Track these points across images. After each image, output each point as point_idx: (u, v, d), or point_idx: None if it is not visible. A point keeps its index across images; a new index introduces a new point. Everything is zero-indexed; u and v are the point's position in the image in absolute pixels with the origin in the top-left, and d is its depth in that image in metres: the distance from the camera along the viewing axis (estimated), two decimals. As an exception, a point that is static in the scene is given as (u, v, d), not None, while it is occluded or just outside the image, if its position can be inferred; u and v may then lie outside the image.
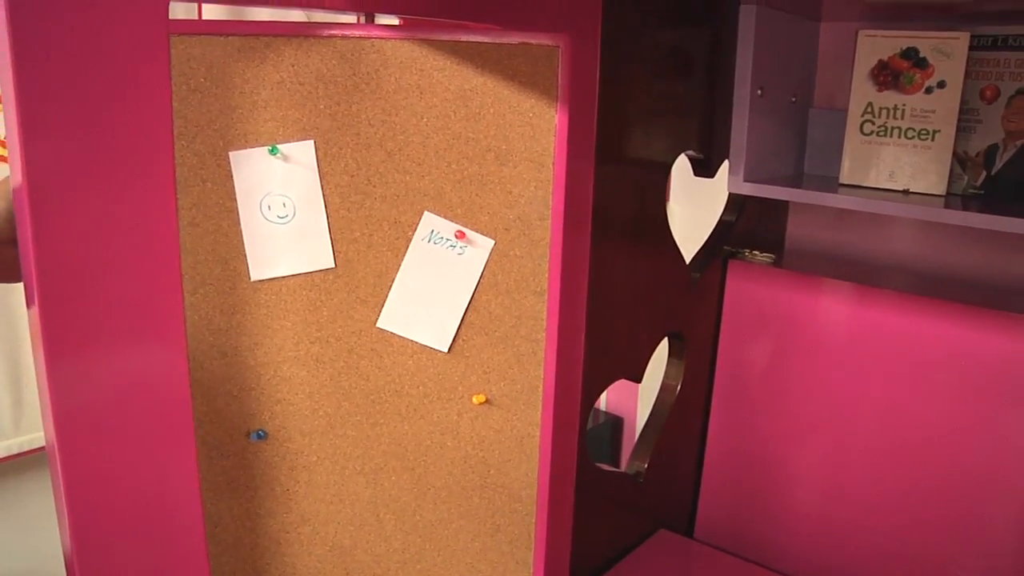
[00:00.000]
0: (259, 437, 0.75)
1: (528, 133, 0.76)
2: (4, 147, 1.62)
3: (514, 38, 0.74)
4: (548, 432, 0.84)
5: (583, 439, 1.07)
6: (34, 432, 1.84)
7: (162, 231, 0.55)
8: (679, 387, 1.28)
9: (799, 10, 1.28)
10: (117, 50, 0.50)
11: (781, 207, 1.43)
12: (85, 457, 0.55)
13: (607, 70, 0.89)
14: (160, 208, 0.54)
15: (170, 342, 0.56)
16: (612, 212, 1.05)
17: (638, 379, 1.19)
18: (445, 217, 0.76)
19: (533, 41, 0.74)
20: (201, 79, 0.65)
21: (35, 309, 0.52)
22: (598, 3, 0.87)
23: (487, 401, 0.82)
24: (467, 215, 0.76)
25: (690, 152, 1.23)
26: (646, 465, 1.26)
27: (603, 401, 1.90)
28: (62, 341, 0.52)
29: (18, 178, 0.49)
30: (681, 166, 1.26)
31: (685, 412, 1.33)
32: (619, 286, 1.10)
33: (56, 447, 0.54)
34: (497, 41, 0.74)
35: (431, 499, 0.83)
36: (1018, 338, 1.13)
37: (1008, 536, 1.15)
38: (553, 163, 0.76)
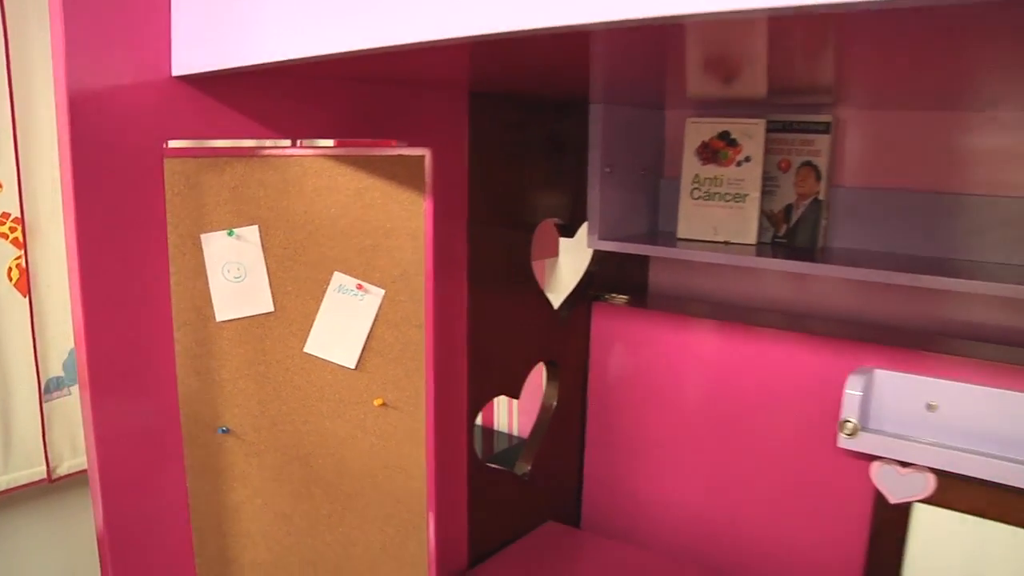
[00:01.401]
0: (224, 432, 1.09)
1: (406, 215, 1.13)
2: (6, 223, 1.93)
3: (393, 151, 1.11)
4: (431, 427, 1.20)
5: (471, 440, 1.42)
6: (21, 470, 2.09)
7: (159, 288, 0.91)
8: (555, 404, 1.65)
9: (641, 104, 1.66)
10: (133, 171, 0.87)
11: (640, 258, 1.81)
12: (119, 453, 0.90)
13: (476, 161, 1.28)
14: (157, 273, 0.91)
15: (164, 367, 0.92)
16: (485, 265, 1.42)
17: (516, 396, 1.55)
18: (350, 275, 1.12)
19: (406, 153, 1.11)
20: (182, 186, 1.01)
21: (83, 355, 0.88)
22: (464, 120, 1.25)
23: (385, 404, 1.17)
24: (365, 273, 1.12)
25: (553, 219, 1.60)
26: (530, 467, 1.62)
27: (515, 427, 2.26)
28: (105, 376, 0.88)
29: (75, 268, 0.85)
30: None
31: (564, 424, 1.69)
32: (495, 322, 1.46)
33: (95, 455, 0.89)
34: (382, 154, 1.11)
35: (348, 476, 1.18)
36: (824, 355, 1.50)
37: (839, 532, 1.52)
38: (424, 235, 1.13)
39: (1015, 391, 1.29)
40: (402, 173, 1.12)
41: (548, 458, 1.67)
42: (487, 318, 1.44)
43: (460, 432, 1.41)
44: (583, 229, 1.63)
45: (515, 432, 2.35)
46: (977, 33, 0.79)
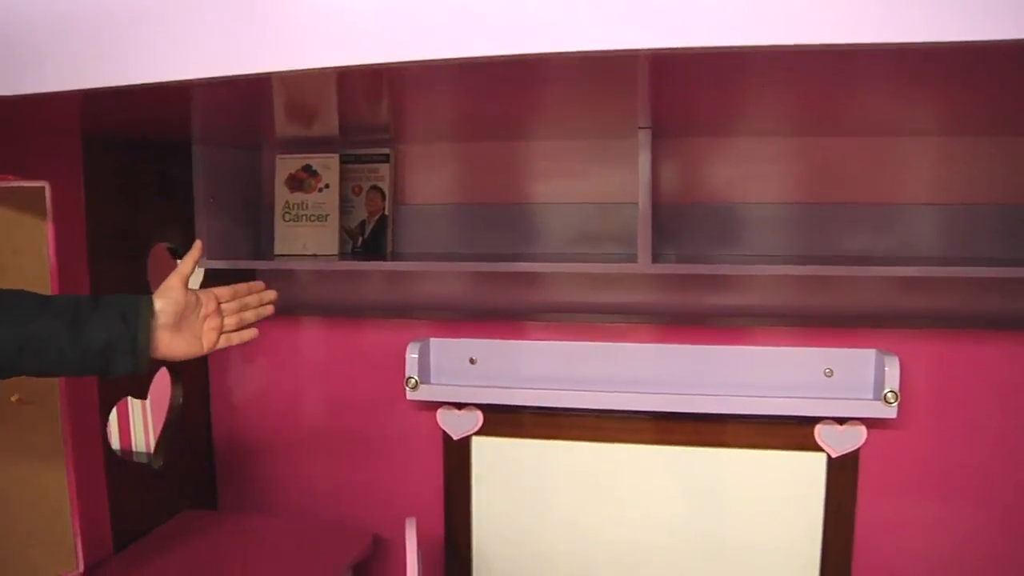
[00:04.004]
0: None
1: (32, 236, 1.38)
2: None
3: (14, 183, 1.36)
4: (67, 421, 1.44)
5: (105, 435, 1.66)
6: None
7: None
8: (181, 402, 1.92)
9: (239, 145, 1.98)
10: None
11: (249, 273, 2.12)
12: None
13: (93, 198, 1.54)
14: None
15: None
16: (104, 281, 1.67)
17: (143, 397, 1.81)
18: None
19: (26, 185, 1.36)
20: None
21: None
22: (78, 160, 1.52)
23: (21, 400, 1.40)
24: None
25: (164, 243, 1.88)
26: (163, 460, 1.87)
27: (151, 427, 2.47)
28: None
29: None
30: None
31: (191, 421, 1.97)
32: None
33: None
34: (9, 186, 1.35)
35: None
36: (394, 333, 1.91)
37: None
38: (48, 256, 1.38)
39: (531, 340, 1.81)
40: (25, 203, 1.37)
41: (180, 451, 1.94)
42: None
43: (94, 427, 1.65)
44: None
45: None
46: (504, 94, 1.23)
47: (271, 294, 1.42)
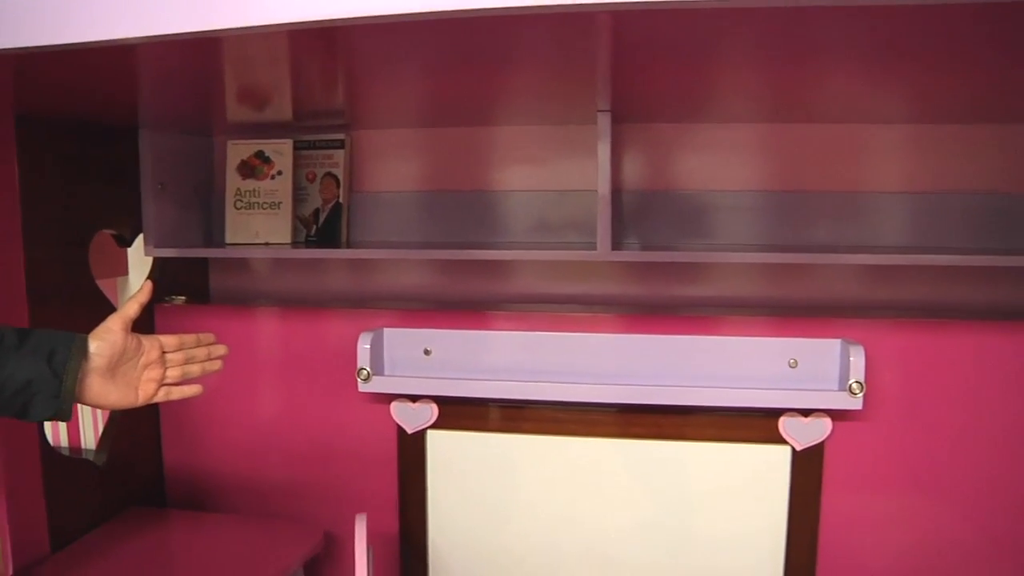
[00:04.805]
0: None
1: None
2: None
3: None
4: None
5: (42, 431, 1.59)
6: None
7: None
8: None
9: (189, 130, 1.92)
10: None
11: (200, 265, 2.06)
12: None
13: (29, 183, 1.47)
14: None
15: None
16: (45, 271, 1.59)
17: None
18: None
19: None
20: None
21: None
22: (11, 146, 1.45)
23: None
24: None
25: (109, 231, 1.81)
26: (106, 456, 1.80)
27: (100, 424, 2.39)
28: None
29: None
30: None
31: (137, 415, 1.88)
32: (62, 316, 1.63)
33: None
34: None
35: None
36: (346, 322, 1.85)
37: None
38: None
39: (490, 331, 1.76)
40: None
41: (125, 447, 1.87)
42: (51, 324, 1.62)
43: (28, 425, 1.57)
44: (140, 239, 1.85)
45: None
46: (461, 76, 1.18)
47: (221, 348, 1.35)
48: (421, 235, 1.93)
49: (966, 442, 1.70)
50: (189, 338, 1.29)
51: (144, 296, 1.23)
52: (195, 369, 1.30)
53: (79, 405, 1.18)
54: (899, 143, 1.76)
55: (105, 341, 1.16)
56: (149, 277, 1.95)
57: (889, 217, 1.77)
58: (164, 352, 1.25)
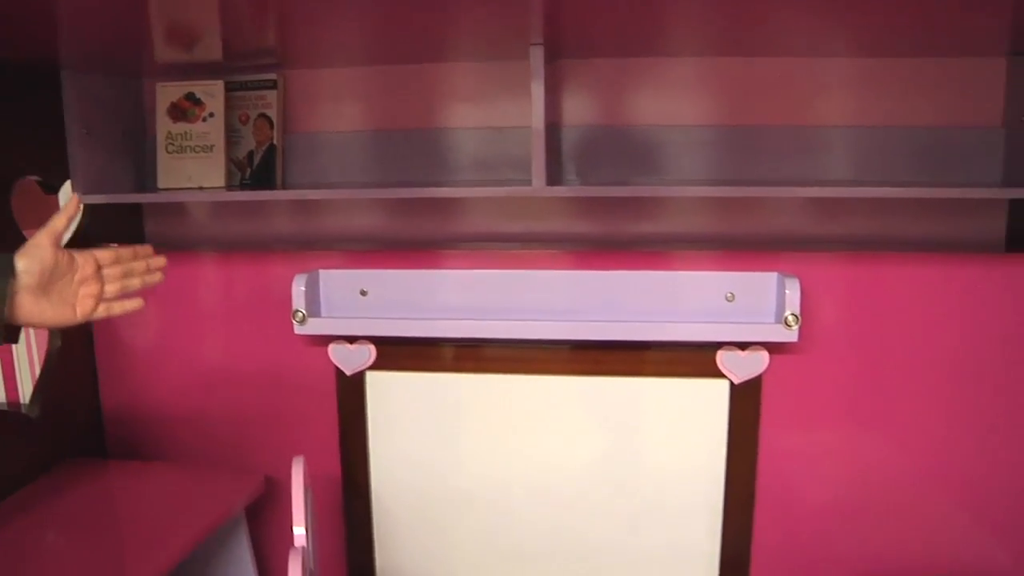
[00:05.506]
0: None
1: None
2: None
3: None
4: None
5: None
6: None
7: None
8: (60, 346, 1.82)
9: (116, 72, 1.86)
10: None
11: (134, 212, 2.02)
12: None
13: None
14: None
15: None
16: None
17: (14, 342, 1.70)
18: None
19: None
20: None
21: None
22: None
23: None
24: None
25: (32, 176, 1.76)
26: (39, 410, 1.77)
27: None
28: None
29: None
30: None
31: (72, 364, 1.86)
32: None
33: None
34: None
35: None
36: (281, 266, 1.83)
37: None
38: None
39: (427, 270, 1.75)
40: None
41: (60, 398, 1.84)
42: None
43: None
44: (67, 186, 1.81)
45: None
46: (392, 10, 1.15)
47: (159, 260, 1.33)
48: (359, 176, 1.90)
49: (903, 375, 1.72)
50: (126, 251, 1.28)
51: (72, 210, 1.21)
52: (134, 283, 1.29)
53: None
54: (845, 77, 1.74)
55: (33, 258, 1.14)
56: (80, 225, 1.91)
57: (834, 151, 1.76)
58: (100, 267, 1.23)
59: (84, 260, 1.21)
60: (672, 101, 1.80)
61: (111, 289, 1.25)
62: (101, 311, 1.24)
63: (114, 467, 1.89)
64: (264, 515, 1.90)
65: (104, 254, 1.24)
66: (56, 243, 1.17)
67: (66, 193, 1.82)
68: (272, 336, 1.86)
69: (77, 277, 1.20)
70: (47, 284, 1.15)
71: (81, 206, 1.22)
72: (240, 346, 1.90)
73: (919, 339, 1.71)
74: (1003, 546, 1.75)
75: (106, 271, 1.24)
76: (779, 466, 1.78)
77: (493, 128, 1.84)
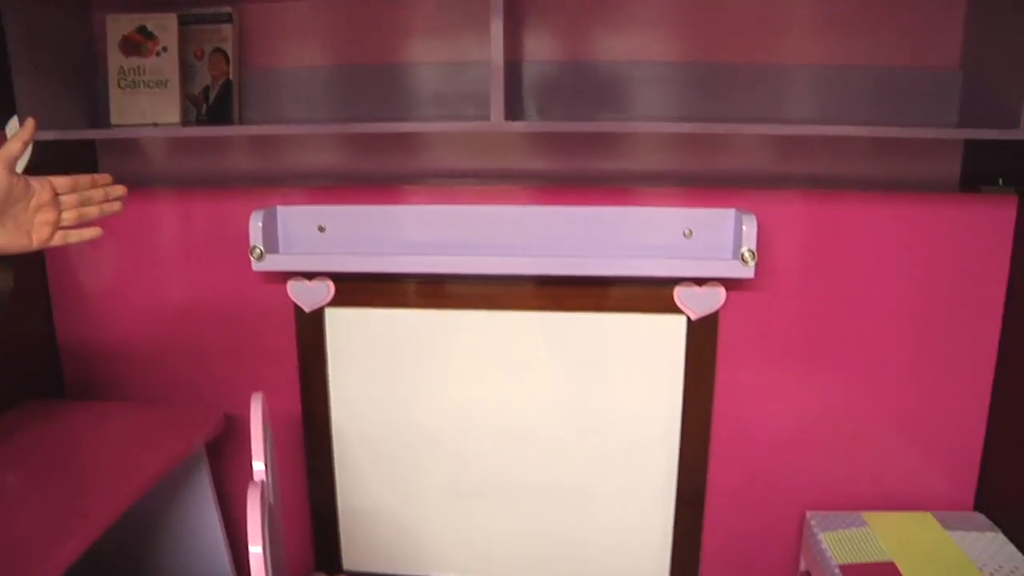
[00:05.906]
0: None
1: None
2: None
3: None
4: None
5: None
6: None
7: None
8: (12, 287, 1.79)
9: (60, 3, 1.81)
10: None
11: (87, 150, 1.98)
12: None
13: None
14: None
15: None
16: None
17: None
18: None
19: None
20: None
21: None
22: None
23: None
24: None
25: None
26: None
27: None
28: None
29: None
30: None
31: (27, 306, 1.84)
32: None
33: None
34: None
35: None
36: (235, 202, 1.81)
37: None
38: None
39: (385, 206, 1.74)
40: None
41: (16, 339, 1.82)
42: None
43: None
44: (14, 121, 1.77)
45: None
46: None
47: (119, 189, 1.30)
48: (317, 112, 1.88)
49: (857, 311, 1.75)
50: (84, 179, 1.26)
51: (27, 135, 1.18)
52: (92, 211, 1.27)
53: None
54: (808, 16, 1.74)
55: None
56: (29, 162, 1.87)
57: (795, 90, 1.76)
58: (57, 194, 1.21)
59: (40, 186, 1.19)
60: (635, 38, 1.78)
61: (68, 217, 1.23)
62: (58, 239, 1.22)
63: (70, 407, 1.88)
64: (225, 452, 1.91)
65: (61, 181, 1.22)
66: (10, 168, 1.14)
67: (12, 129, 1.78)
68: (230, 273, 1.85)
69: (33, 203, 1.18)
70: (1, 210, 1.13)
71: (34, 128, 1.19)
72: (198, 283, 1.89)
73: (874, 276, 1.73)
74: (951, 478, 1.80)
75: (63, 198, 1.22)
76: (735, 401, 1.81)
77: (454, 63, 1.82)
